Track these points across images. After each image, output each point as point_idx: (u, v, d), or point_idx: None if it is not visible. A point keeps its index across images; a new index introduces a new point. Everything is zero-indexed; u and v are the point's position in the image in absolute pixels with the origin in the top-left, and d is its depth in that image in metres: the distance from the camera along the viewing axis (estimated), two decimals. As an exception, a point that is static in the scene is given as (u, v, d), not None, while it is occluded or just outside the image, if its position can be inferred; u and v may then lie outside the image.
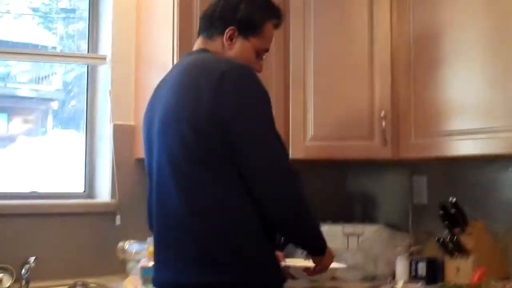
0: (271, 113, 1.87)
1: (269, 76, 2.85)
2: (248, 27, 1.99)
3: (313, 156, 2.88)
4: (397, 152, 2.80)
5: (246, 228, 1.80)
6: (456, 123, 2.58)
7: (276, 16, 2.07)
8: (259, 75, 1.93)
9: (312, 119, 2.88)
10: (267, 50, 2.07)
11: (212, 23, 2.00)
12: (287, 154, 1.93)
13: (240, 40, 1.99)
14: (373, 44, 2.86)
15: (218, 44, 1.99)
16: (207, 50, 1.99)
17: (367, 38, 2.87)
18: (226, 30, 1.98)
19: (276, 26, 2.08)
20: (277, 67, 2.89)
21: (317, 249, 2.01)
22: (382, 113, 2.79)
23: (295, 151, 2.87)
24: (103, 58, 2.96)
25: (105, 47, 2.99)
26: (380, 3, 2.86)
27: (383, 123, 2.79)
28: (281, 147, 1.88)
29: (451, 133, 2.59)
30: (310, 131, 2.88)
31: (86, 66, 3.04)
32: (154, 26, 2.86)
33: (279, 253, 2.10)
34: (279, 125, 2.78)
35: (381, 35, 2.85)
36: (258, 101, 1.86)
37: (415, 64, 2.75)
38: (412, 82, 2.75)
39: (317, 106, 2.88)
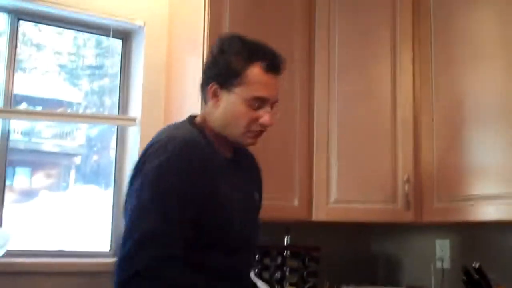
0: (154, 198, 1.71)
1: (293, 138, 2.92)
2: (228, 77, 1.81)
3: (336, 218, 2.91)
4: (420, 216, 2.82)
5: None
6: (479, 188, 2.60)
7: (261, 57, 1.82)
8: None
9: (335, 182, 2.91)
10: (266, 99, 1.83)
11: (202, 86, 1.89)
12: (145, 249, 1.68)
13: (225, 94, 1.82)
14: (396, 108, 2.93)
15: (209, 106, 1.87)
16: (193, 116, 1.93)
17: (390, 102, 2.93)
18: (208, 88, 1.85)
19: (267, 68, 1.82)
20: (301, 130, 2.95)
21: None
22: (405, 177, 2.83)
23: (318, 213, 2.90)
24: (133, 120, 3.04)
25: (135, 107, 3.07)
26: (404, 69, 2.93)
27: (406, 187, 2.82)
28: (138, 237, 1.67)
29: (474, 198, 2.61)
30: (334, 194, 2.91)
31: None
32: (183, 87, 2.94)
33: None
34: (302, 187, 2.89)
35: (404, 100, 2.92)
36: (145, 184, 1.73)
37: (438, 128, 2.80)
38: (435, 146, 2.80)
39: (340, 169, 2.92)
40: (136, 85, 3.09)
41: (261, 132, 1.88)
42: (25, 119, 2.93)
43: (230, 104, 1.82)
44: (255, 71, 1.81)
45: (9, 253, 2.61)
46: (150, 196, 1.71)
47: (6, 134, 2.78)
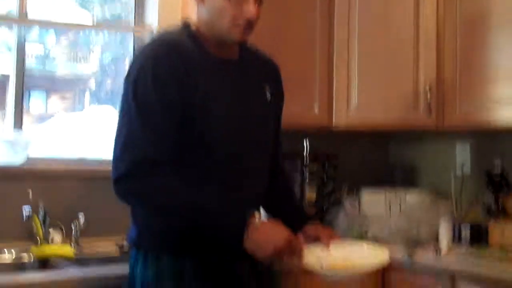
0: (136, 102, 1.74)
1: (313, 44, 2.89)
2: None
3: (356, 125, 2.90)
4: (442, 122, 2.79)
5: None
6: (503, 90, 2.56)
7: None
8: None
9: (356, 89, 2.88)
10: None
11: None
12: (135, 146, 1.73)
13: None
14: (419, 14, 2.86)
15: (198, 9, 1.88)
16: (187, 19, 1.93)
17: (413, 8, 2.86)
18: None
19: None
20: (322, 35, 2.91)
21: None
22: (427, 86, 2.78)
23: (338, 121, 2.89)
24: (150, 29, 3.01)
25: (151, 17, 3.03)
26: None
27: (428, 93, 2.78)
28: (126, 140, 1.74)
29: (497, 101, 2.57)
30: (354, 101, 2.88)
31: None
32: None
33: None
34: (322, 94, 2.87)
35: (427, 9, 2.84)
36: (130, 82, 1.78)
37: (462, 30, 2.74)
38: (459, 49, 2.74)
39: (361, 76, 2.88)
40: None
41: (248, 26, 1.84)
42: (40, 26, 2.91)
43: (212, 1, 1.81)
44: None
45: (31, 160, 2.65)
46: (132, 100, 1.76)
47: (22, 46, 2.77)
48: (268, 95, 2.00)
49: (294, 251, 1.71)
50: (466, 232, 2.58)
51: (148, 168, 1.72)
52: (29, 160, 2.64)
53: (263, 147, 1.98)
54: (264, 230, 1.69)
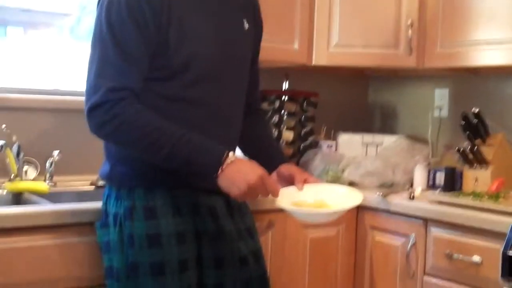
0: (110, 29, 1.71)
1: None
2: None
3: (337, 62, 2.85)
4: (422, 61, 2.76)
5: None
6: (484, 33, 2.53)
7: None
8: None
9: (337, 26, 2.82)
10: None
11: None
12: (108, 69, 1.71)
13: None
14: None
15: None
16: None
17: None
18: None
19: None
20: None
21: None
22: (409, 21, 2.75)
23: (318, 58, 2.84)
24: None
25: None
26: None
27: (409, 32, 2.75)
28: (100, 63, 1.71)
29: (478, 43, 2.55)
30: (335, 38, 2.83)
31: None
32: None
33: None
34: (303, 30, 2.81)
35: None
36: (103, 8, 1.73)
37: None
38: (442, -10, 2.69)
39: (342, 12, 2.82)
40: None
41: None
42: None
43: None
44: None
45: (5, 89, 2.58)
46: (106, 27, 1.72)
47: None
48: (246, 24, 1.97)
49: (268, 189, 1.71)
50: (440, 177, 2.60)
51: (124, 96, 1.69)
52: (2, 90, 2.57)
53: (241, 77, 1.97)
54: (237, 167, 1.70)
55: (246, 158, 1.96)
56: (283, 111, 2.96)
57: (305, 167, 2.81)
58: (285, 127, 2.96)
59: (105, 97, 1.68)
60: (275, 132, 2.91)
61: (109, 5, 1.72)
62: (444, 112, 3.05)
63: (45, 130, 2.61)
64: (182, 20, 1.77)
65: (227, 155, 1.71)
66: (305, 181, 1.90)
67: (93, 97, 1.70)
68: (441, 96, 3.08)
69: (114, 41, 1.71)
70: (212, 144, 1.74)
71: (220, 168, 1.69)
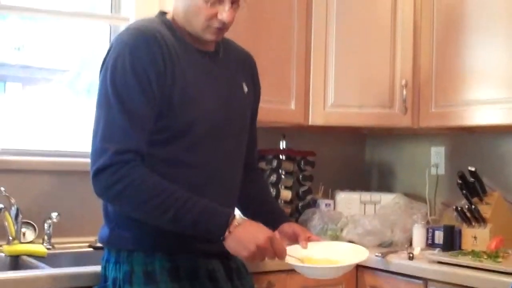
0: (115, 92, 1.73)
1: (290, 42, 2.86)
2: None
3: (333, 122, 2.89)
4: (417, 121, 2.81)
5: None
6: (478, 93, 2.58)
7: None
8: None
9: (333, 86, 2.87)
10: None
11: None
12: (114, 132, 1.72)
13: None
14: (396, 11, 2.86)
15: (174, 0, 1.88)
16: (165, 12, 1.93)
17: (390, 7, 2.86)
18: None
19: None
20: (299, 32, 2.88)
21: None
22: (403, 82, 2.80)
23: (314, 117, 2.88)
24: (126, 19, 2.96)
25: (128, 9, 2.98)
26: (404, -30, 2.84)
27: (404, 92, 2.79)
28: (106, 126, 1.72)
29: (472, 103, 2.60)
30: (331, 98, 2.88)
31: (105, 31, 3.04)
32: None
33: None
34: (299, 91, 2.86)
35: (404, 4, 2.84)
36: (108, 70, 1.76)
37: (438, 32, 2.75)
38: (435, 50, 2.76)
39: (338, 73, 2.87)
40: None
41: (222, 29, 1.85)
42: (16, 15, 2.84)
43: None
44: None
45: (4, 151, 2.61)
46: (111, 89, 1.73)
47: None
48: (245, 88, 2.01)
49: (275, 251, 1.71)
50: (439, 236, 2.61)
51: (130, 159, 1.70)
52: (1, 152, 2.59)
53: (239, 139, 1.99)
54: (245, 229, 1.70)
55: (246, 218, 1.96)
56: (280, 170, 2.98)
57: (303, 225, 2.80)
58: (283, 186, 2.97)
59: (110, 160, 1.69)
60: (273, 191, 2.92)
61: (114, 68, 1.75)
62: (441, 170, 3.07)
63: (44, 192, 2.62)
64: (185, 82, 1.80)
65: (234, 217, 1.72)
66: (309, 239, 1.90)
67: (99, 160, 1.70)
68: (437, 154, 3.11)
69: (119, 103, 1.72)
70: (218, 207, 1.74)
71: (227, 230, 1.69)
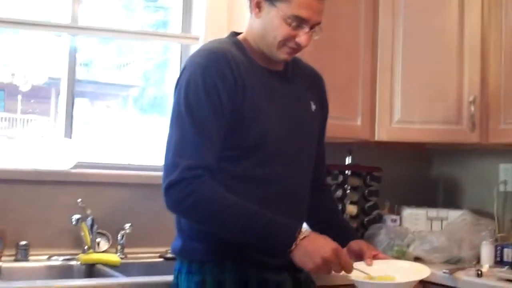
0: (188, 110, 1.79)
1: (357, 58, 2.89)
2: None
3: (399, 138, 2.90)
4: (486, 137, 2.78)
5: None
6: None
7: None
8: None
9: (399, 101, 2.88)
10: (306, 20, 1.83)
11: None
12: (188, 151, 1.78)
13: (267, 7, 1.85)
14: (463, 28, 2.85)
15: (251, 17, 1.92)
16: (237, 32, 1.98)
17: (457, 21, 2.85)
18: None
19: None
20: (366, 49, 2.91)
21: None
22: (471, 98, 2.78)
23: (380, 133, 2.90)
24: (196, 38, 3.05)
25: (198, 28, 3.07)
26: (472, -13, 2.84)
27: (472, 108, 2.77)
28: (178, 145, 1.79)
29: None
30: (397, 114, 2.88)
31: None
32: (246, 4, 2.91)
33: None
34: (365, 107, 2.88)
35: (472, 19, 2.83)
36: (181, 89, 1.83)
37: (507, 45, 2.72)
38: (503, 66, 2.73)
39: (404, 89, 2.88)
40: (199, 5, 3.08)
41: (296, 50, 1.90)
42: (89, 35, 2.97)
43: (269, 18, 1.85)
44: None
45: (80, 165, 2.72)
46: (184, 106, 1.80)
47: (73, 53, 2.85)
48: (313, 106, 2.05)
49: (341, 264, 1.72)
50: (508, 253, 2.57)
51: (201, 174, 1.76)
52: (78, 165, 2.71)
53: (308, 156, 2.02)
54: (312, 241, 1.72)
55: (312, 231, 1.99)
56: (346, 185, 3.00)
57: (369, 241, 2.80)
58: (348, 201, 2.99)
59: (182, 175, 1.75)
60: (339, 206, 2.94)
61: (187, 87, 1.82)
62: (510, 187, 3.02)
63: (117, 203, 2.73)
64: (254, 100, 1.86)
65: (301, 229, 1.75)
66: (374, 257, 1.92)
67: (171, 175, 1.77)
68: (506, 171, 3.06)
69: (191, 120, 1.79)
70: (285, 219, 1.78)
71: (294, 243, 1.72)
